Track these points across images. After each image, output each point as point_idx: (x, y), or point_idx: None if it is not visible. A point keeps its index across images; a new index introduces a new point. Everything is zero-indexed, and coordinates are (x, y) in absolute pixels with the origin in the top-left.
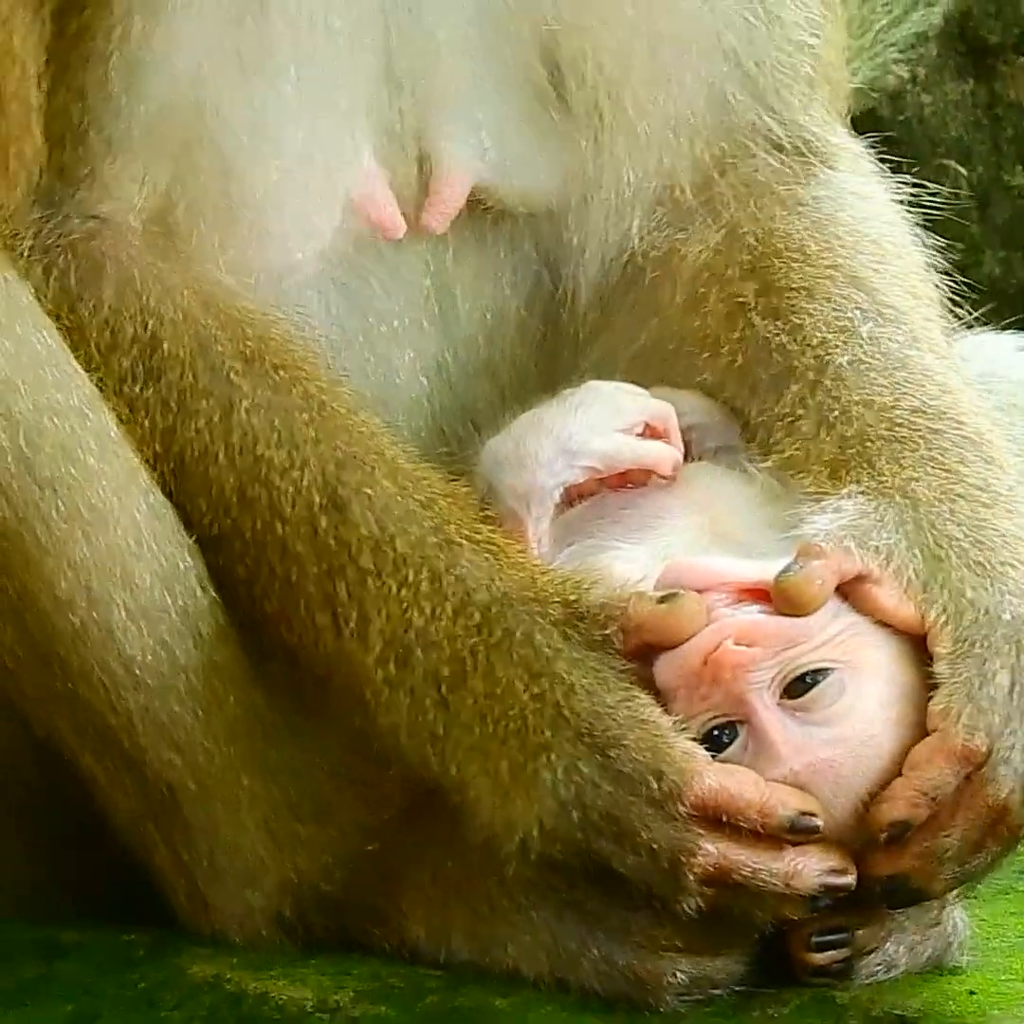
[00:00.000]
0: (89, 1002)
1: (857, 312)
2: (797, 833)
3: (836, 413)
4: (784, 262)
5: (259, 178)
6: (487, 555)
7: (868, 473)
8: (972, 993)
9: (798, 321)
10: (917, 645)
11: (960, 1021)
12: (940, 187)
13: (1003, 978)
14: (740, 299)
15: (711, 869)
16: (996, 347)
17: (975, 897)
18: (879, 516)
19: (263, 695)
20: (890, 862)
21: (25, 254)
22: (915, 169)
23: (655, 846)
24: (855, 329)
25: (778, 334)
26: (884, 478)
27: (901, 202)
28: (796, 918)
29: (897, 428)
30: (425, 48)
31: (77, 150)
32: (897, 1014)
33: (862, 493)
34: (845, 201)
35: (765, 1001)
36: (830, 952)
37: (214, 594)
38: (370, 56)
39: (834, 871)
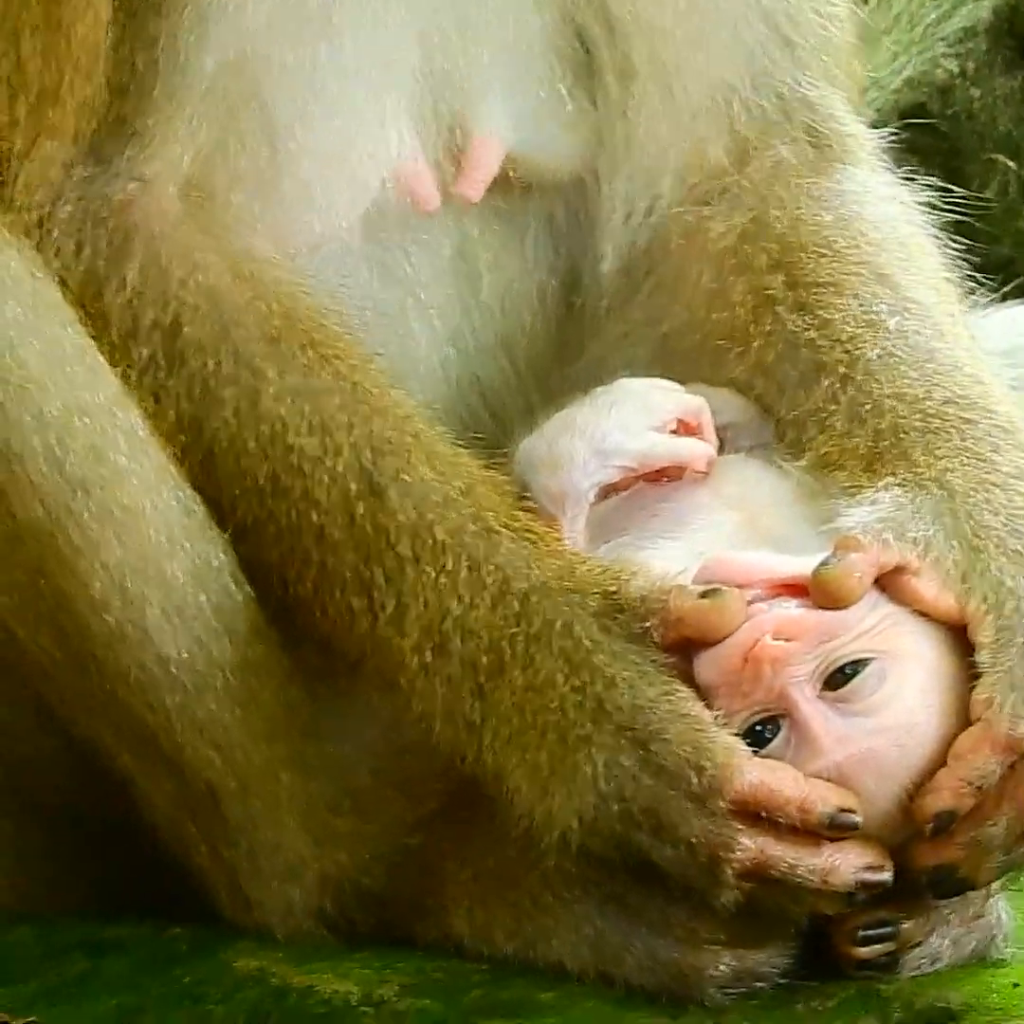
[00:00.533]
0: (133, 997)
1: (883, 306)
2: (836, 829)
3: (868, 407)
4: (811, 257)
5: (306, 142)
6: (526, 543)
7: (903, 465)
8: (1016, 985)
9: (827, 316)
10: (957, 635)
11: (1004, 1013)
12: (988, 181)
13: None
14: (768, 292)
15: (749, 864)
16: None
17: (1019, 890)
18: (916, 507)
19: (301, 692)
20: (936, 853)
21: (60, 227)
22: (963, 163)
23: (694, 840)
24: (882, 323)
25: (807, 329)
26: (920, 469)
27: (942, 197)
28: (832, 913)
29: (930, 419)
30: (465, 14)
31: (138, 101)
32: (941, 1006)
33: (898, 485)
34: (868, 199)
35: (809, 994)
36: (875, 946)
37: (248, 590)
38: (415, 23)
39: (870, 868)
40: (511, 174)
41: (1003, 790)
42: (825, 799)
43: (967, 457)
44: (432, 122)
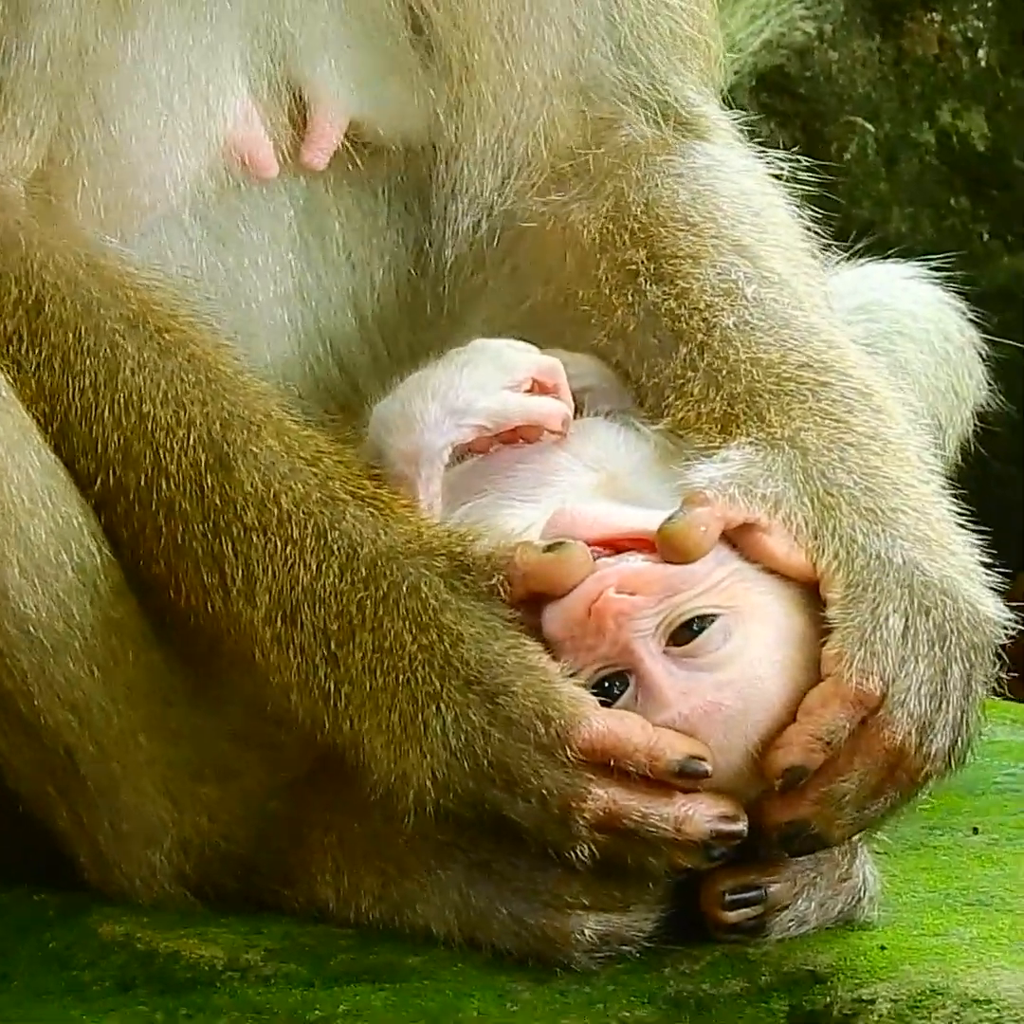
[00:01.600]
0: (1, 963)
1: (741, 275)
2: (686, 777)
3: (724, 372)
4: (669, 231)
5: (137, 122)
6: (372, 510)
7: (757, 426)
8: (883, 948)
9: (685, 285)
10: (809, 592)
11: (871, 976)
12: (848, 144)
13: (914, 933)
14: (631, 266)
15: (601, 814)
16: (883, 276)
17: (885, 853)
18: (767, 465)
19: (162, 656)
20: (788, 808)
21: None
22: (823, 126)
23: (545, 792)
24: (740, 291)
25: (666, 299)
26: (773, 429)
27: (801, 160)
28: (690, 866)
29: (785, 383)
30: None
31: None
32: (808, 969)
33: (750, 444)
34: (724, 173)
35: (677, 958)
36: (743, 910)
37: (110, 553)
38: None
39: (725, 818)
40: (358, 137)
41: (855, 746)
42: (673, 747)
43: (821, 418)
44: (271, 91)
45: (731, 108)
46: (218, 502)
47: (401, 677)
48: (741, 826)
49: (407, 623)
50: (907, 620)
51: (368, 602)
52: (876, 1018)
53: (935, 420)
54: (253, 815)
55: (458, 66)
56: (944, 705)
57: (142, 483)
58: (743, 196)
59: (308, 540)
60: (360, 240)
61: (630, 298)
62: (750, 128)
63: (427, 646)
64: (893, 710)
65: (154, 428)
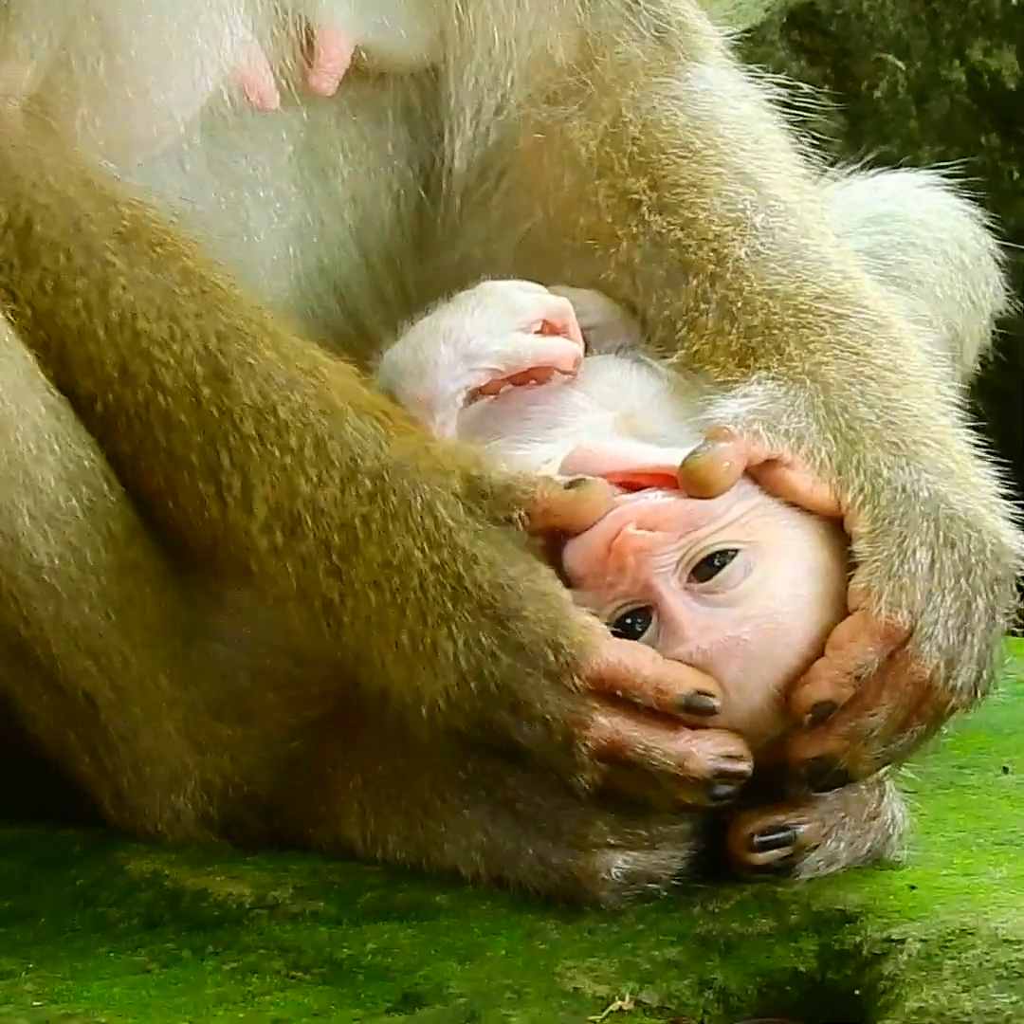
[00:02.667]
0: (26, 900)
1: (748, 204)
2: (692, 712)
3: (739, 304)
4: (671, 158)
5: (140, 51)
6: (374, 421)
7: (777, 359)
8: (913, 888)
9: (691, 215)
10: (834, 527)
11: (900, 915)
12: (878, 81)
13: (943, 873)
14: (633, 196)
15: (604, 743)
16: (896, 185)
17: (914, 792)
18: (789, 401)
19: (179, 594)
20: (815, 744)
21: None
22: (853, 63)
23: (549, 718)
24: (748, 221)
25: (672, 229)
26: (793, 363)
27: (831, 97)
28: (692, 803)
29: (802, 314)
30: None
31: None
32: (838, 909)
33: (772, 379)
34: (721, 97)
35: (706, 897)
36: (772, 851)
37: (122, 490)
38: None
39: (730, 757)
40: (362, 64)
41: (883, 680)
42: (681, 681)
43: (841, 351)
44: (274, 19)
45: (761, 45)
46: (215, 413)
47: (411, 595)
48: (746, 766)
49: (419, 540)
50: (933, 553)
51: (375, 515)
52: (905, 957)
53: (951, 330)
54: (275, 756)
55: None
56: (969, 638)
57: (140, 397)
58: (742, 121)
59: (307, 450)
60: (361, 172)
61: (634, 229)
62: (780, 65)
63: (439, 565)
64: (921, 644)
65: (149, 343)
